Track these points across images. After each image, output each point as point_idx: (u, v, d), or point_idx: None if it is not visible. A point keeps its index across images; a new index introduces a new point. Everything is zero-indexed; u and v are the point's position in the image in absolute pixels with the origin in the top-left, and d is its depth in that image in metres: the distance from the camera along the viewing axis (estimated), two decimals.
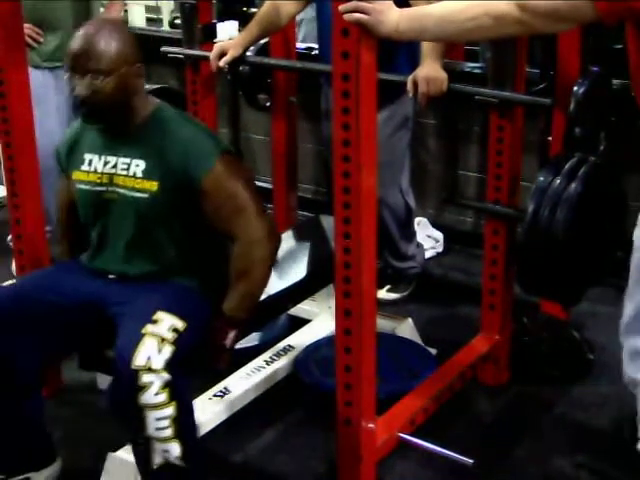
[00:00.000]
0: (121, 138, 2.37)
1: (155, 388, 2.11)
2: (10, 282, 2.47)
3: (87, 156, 2.41)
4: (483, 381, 3.04)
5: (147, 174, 2.33)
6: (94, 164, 2.40)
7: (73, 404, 2.96)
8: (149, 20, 5.14)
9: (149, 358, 2.11)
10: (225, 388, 2.81)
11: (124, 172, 2.35)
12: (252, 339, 3.05)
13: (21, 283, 2.54)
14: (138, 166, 2.34)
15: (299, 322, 3.29)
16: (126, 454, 2.43)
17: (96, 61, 2.24)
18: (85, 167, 2.41)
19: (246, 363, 2.95)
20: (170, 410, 2.14)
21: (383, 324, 3.09)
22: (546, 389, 3.04)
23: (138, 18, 4.99)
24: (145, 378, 2.10)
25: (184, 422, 2.19)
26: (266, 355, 3.02)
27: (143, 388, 2.10)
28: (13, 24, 2.72)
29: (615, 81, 2.94)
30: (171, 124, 2.37)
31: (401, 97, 3.24)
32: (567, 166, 2.39)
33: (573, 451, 2.72)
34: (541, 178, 2.39)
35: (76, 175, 2.43)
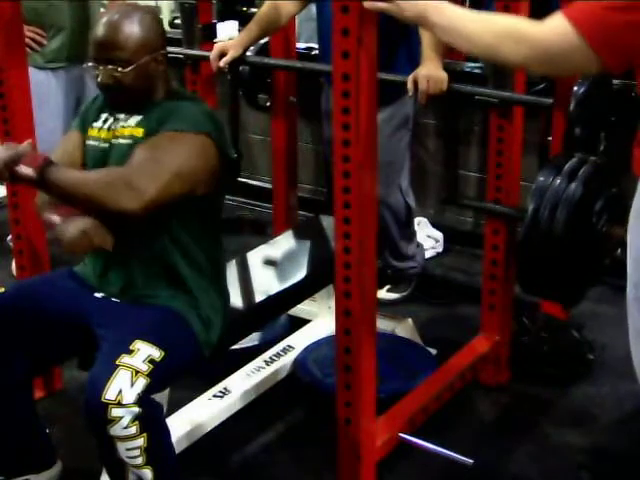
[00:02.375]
0: (139, 109, 2.38)
1: (125, 422, 2.07)
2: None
3: (104, 115, 2.43)
4: (483, 381, 3.04)
5: (138, 124, 2.34)
6: (108, 123, 2.40)
7: (73, 404, 2.95)
8: None
9: (120, 392, 2.06)
10: (225, 388, 2.81)
11: (123, 124, 2.36)
12: (252, 339, 3.05)
13: (12, 291, 2.47)
14: (136, 119, 2.35)
15: (299, 322, 3.28)
16: None
17: (118, 51, 2.26)
18: (99, 124, 2.41)
19: (246, 363, 2.95)
20: (140, 441, 2.11)
21: (383, 324, 3.09)
22: (546, 389, 3.04)
23: None
24: (114, 412, 2.06)
25: (156, 450, 2.15)
26: (266, 355, 3.02)
27: (112, 421, 2.06)
28: (13, 24, 2.72)
29: (615, 81, 2.94)
30: (179, 97, 2.41)
31: (401, 97, 3.24)
32: (567, 166, 2.39)
33: (573, 451, 2.71)
34: (541, 178, 2.39)
35: (89, 131, 2.43)
